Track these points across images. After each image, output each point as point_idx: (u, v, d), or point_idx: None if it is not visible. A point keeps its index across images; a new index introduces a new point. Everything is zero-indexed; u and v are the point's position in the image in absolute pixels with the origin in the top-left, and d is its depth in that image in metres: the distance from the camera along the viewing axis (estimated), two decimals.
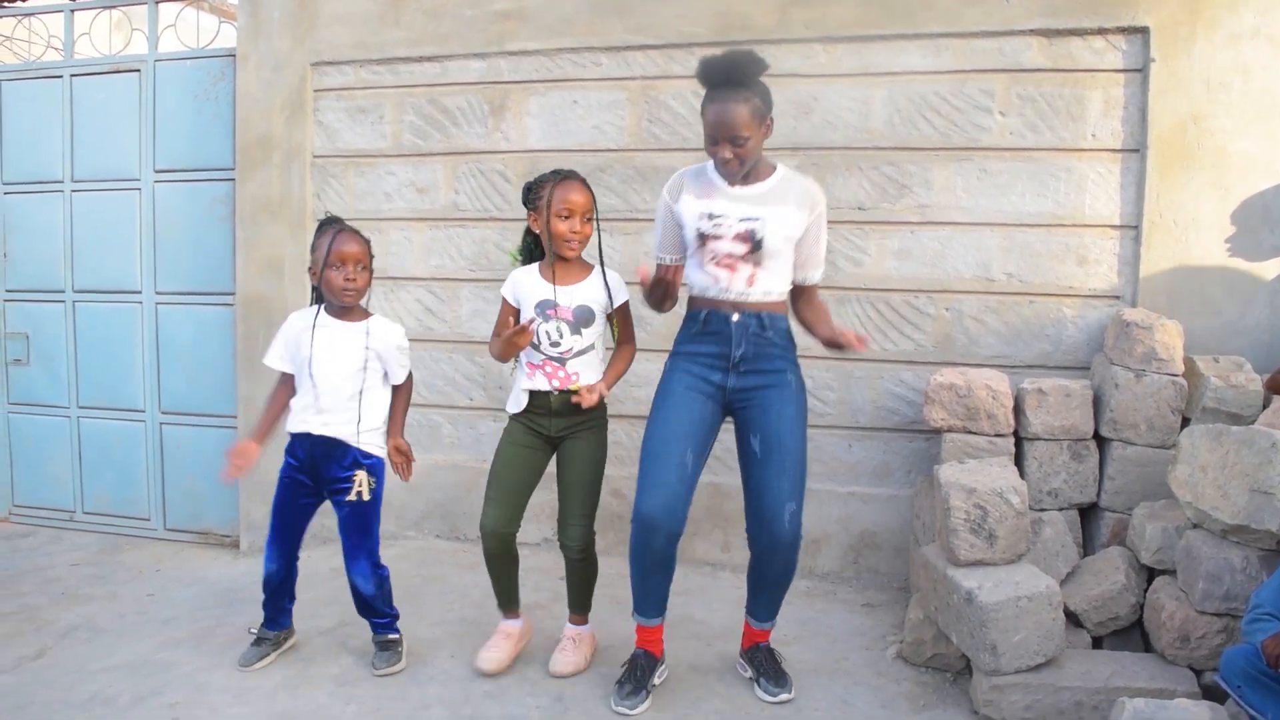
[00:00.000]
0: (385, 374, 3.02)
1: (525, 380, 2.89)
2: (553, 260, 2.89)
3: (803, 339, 2.87)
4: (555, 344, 2.86)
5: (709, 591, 3.66)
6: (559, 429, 2.91)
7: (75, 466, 4.79)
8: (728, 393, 2.78)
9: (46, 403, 4.80)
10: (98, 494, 4.76)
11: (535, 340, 2.85)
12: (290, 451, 2.99)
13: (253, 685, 2.93)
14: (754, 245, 2.70)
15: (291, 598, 3.15)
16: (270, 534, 3.05)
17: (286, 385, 3.03)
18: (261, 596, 3.09)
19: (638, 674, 2.85)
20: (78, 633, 3.41)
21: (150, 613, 3.61)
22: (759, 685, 2.88)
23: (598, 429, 2.96)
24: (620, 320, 2.97)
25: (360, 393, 2.95)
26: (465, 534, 4.20)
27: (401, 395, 3.08)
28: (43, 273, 4.75)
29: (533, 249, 2.99)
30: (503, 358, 2.91)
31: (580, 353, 2.88)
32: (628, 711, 2.76)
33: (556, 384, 2.86)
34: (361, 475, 2.94)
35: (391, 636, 3.07)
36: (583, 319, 2.87)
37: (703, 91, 2.67)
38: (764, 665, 2.90)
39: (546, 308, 2.86)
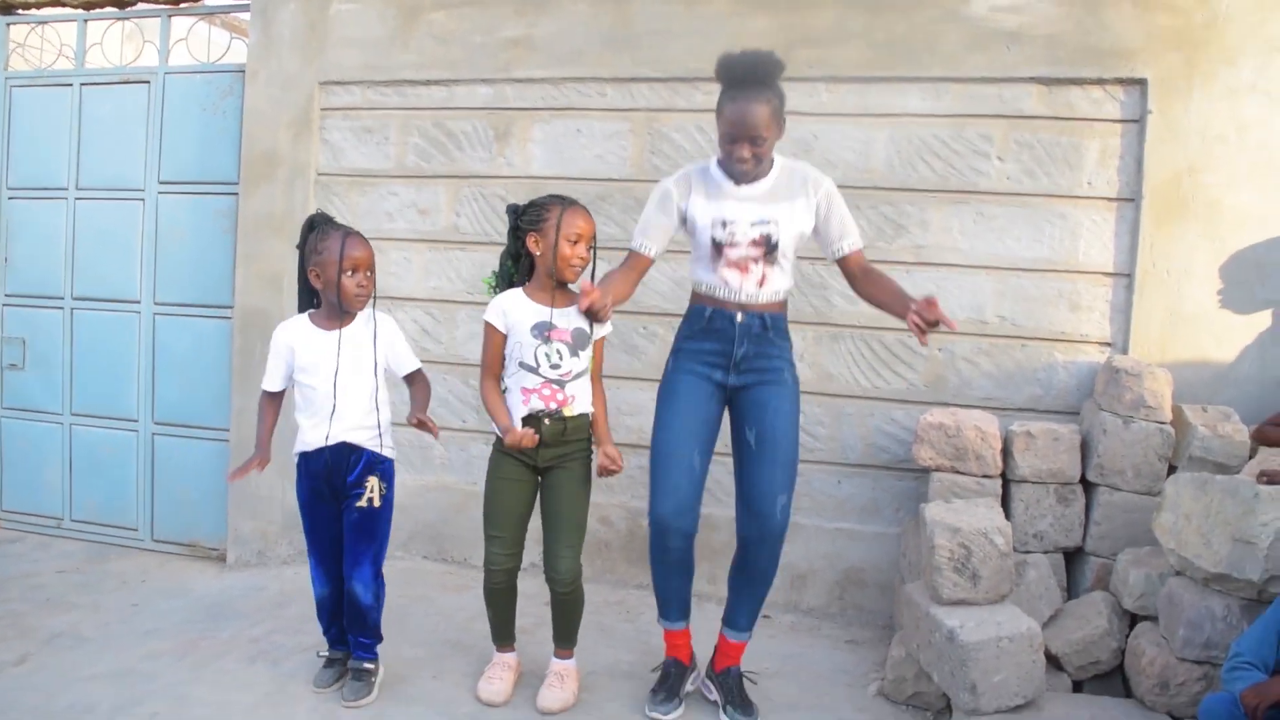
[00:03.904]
0: (387, 369, 2.97)
1: (521, 408, 2.82)
2: (548, 284, 2.85)
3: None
4: (555, 366, 2.81)
5: (695, 622, 3.64)
6: (547, 459, 2.85)
7: (66, 474, 4.78)
8: (728, 390, 2.82)
9: (40, 408, 4.80)
10: (87, 502, 4.75)
11: (533, 364, 2.81)
12: (306, 471, 2.93)
13: (234, 699, 2.93)
14: (769, 248, 2.74)
15: None
16: (311, 559, 3.00)
17: (276, 403, 3.00)
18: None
19: (669, 682, 2.93)
20: (61, 640, 3.41)
21: (134, 623, 3.60)
22: (725, 712, 2.87)
23: (583, 458, 2.92)
24: (595, 351, 2.92)
25: (376, 394, 2.92)
26: (452, 556, 4.19)
27: (420, 383, 3.00)
28: (43, 278, 4.77)
29: (511, 276, 2.93)
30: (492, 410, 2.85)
31: (578, 375, 2.84)
32: (662, 717, 2.85)
33: (555, 405, 2.81)
34: (373, 481, 2.89)
35: (367, 665, 2.97)
36: (580, 341, 2.84)
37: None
38: (733, 692, 2.89)
39: (545, 329, 2.80)
